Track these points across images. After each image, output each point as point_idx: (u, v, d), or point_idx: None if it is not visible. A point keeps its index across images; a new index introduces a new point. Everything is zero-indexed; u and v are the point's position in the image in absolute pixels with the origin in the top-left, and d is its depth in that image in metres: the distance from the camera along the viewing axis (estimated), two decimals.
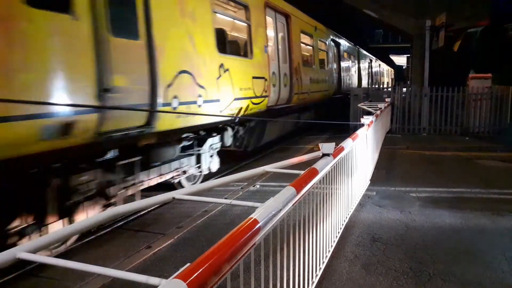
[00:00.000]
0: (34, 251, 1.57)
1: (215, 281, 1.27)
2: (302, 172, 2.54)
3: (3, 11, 2.93)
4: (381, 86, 24.78)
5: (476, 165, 7.51)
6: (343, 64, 16.83)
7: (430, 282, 3.11)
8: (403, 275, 3.23)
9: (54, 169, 3.71)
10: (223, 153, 7.13)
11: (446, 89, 11.57)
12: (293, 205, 2.17)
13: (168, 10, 4.87)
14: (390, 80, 39.37)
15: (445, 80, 12.05)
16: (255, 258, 1.78)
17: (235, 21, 7.61)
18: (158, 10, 4.59)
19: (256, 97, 7.48)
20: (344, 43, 17.10)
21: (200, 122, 5.67)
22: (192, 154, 6.06)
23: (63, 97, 3.38)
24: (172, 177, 5.67)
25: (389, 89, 13.68)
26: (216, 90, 5.93)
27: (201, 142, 6.24)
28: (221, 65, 6.09)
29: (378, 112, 7.68)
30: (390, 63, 45.05)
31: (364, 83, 22.76)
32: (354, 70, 19.83)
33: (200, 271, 1.20)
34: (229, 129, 7.07)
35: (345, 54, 17.47)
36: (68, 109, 3.40)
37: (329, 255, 3.40)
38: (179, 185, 6.15)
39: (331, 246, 3.53)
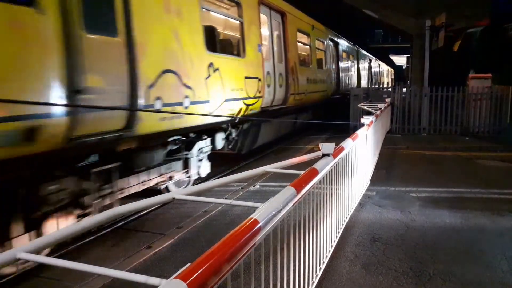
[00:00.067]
0: (34, 251, 1.57)
1: (215, 281, 1.27)
2: (302, 172, 2.54)
3: None
4: (381, 86, 24.78)
5: (476, 165, 7.51)
6: (342, 64, 16.65)
7: (430, 282, 3.11)
8: (403, 275, 3.23)
9: (20, 178, 3.43)
10: (219, 155, 7.08)
11: (446, 89, 11.57)
12: (293, 205, 2.17)
13: (151, 6, 4.59)
14: (390, 80, 39.36)
15: (445, 80, 12.06)
16: (255, 258, 1.78)
17: (226, 18, 7.32)
18: (140, 5, 4.33)
19: (249, 98, 7.17)
20: (342, 42, 16.93)
21: (188, 125, 5.34)
22: (179, 159, 5.77)
23: (25, 99, 3.08)
24: (157, 183, 5.37)
25: (389, 89, 13.66)
26: (205, 91, 5.62)
27: (189, 145, 5.96)
28: (211, 64, 5.78)
29: (378, 112, 7.68)
30: (390, 63, 45.07)
31: (364, 83, 22.58)
32: (353, 70, 19.67)
33: (200, 271, 1.20)
34: (221, 131, 6.81)
35: (344, 54, 17.27)
36: (31, 112, 3.11)
37: (329, 255, 3.40)
38: (166, 190, 5.82)
39: (331, 246, 3.53)
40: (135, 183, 4.91)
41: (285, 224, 2.19)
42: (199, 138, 6.10)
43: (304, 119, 11.39)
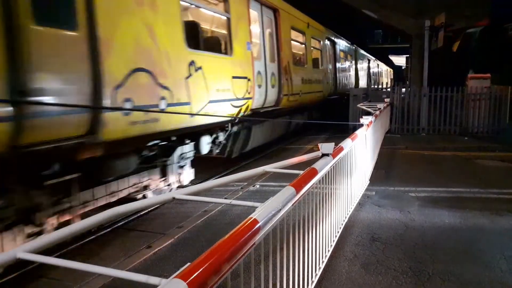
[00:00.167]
0: (34, 251, 1.57)
1: (215, 280, 1.28)
2: (301, 172, 2.55)
3: None
4: (380, 86, 24.75)
5: (475, 165, 7.53)
6: (339, 63, 16.32)
7: (429, 282, 3.12)
8: (403, 275, 3.23)
9: None
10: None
11: (445, 89, 11.59)
12: (292, 205, 2.18)
13: None
14: (389, 80, 39.39)
15: (444, 80, 12.08)
16: (255, 258, 1.79)
17: (211, 13, 6.82)
18: None
19: (237, 99, 6.68)
20: (340, 41, 16.62)
21: (166, 128, 4.87)
22: (155, 166, 5.30)
23: None
24: (129, 194, 4.89)
25: (388, 89, 13.66)
26: (185, 92, 5.13)
27: (169, 151, 5.47)
28: (192, 63, 5.30)
29: (377, 112, 7.69)
30: (389, 63, 45.10)
31: (362, 83, 22.37)
32: (351, 70, 19.44)
33: (200, 270, 1.20)
34: (206, 134, 6.33)
35: (342, 54, 16.98)
36: None
37: (328, 254, 3.41)
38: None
39: (331, 245, 3.54)
40: (102, 195, 4.42)
41: (285, 223, 2.20)
42: (181, 142, 5.64)
43: (298, 122, 11.01)
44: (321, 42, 13.31)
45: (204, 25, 7.11)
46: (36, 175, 3.57)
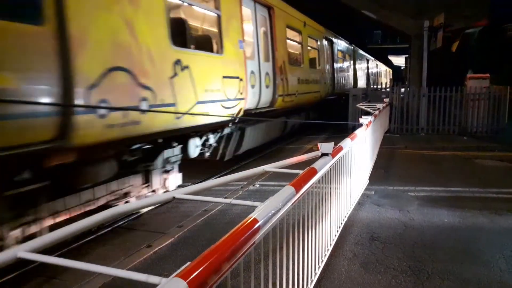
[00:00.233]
0: (34, 250, 1.57)
1: (215, 279, 1.28)
2: (301, 171, 2.55)
3: None
4: (379, 86, 24.75)
5: (474, 165, 7.54)
6: (338, 63, 16.10)
7: (428, 281, 3.13)
8: (402, 274, 3.24)
9: None
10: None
11: (444, 89, 11.60)
12: (292, 204, 2.19)
13: None
14: (388, 80, 39.42)
15: (443, 80, 12.11)
16: (255, 257, 1.80)
17: (200, 9, 6.41)
18: None
19: (229, 100, 6.37)
20: (338, 41, 16.39)
21: (148, 131, 4.52)
22: (138, 172, 4.99)
23: None
24: (108, 202, 4.55)
25: (388, 89, 13.67)
26: (170, 92, 4.83)
27: (153, 155, 5.16)
28: (178, 62, 5.00)
29: (377, 112, 7.70)
30: (388, 63, 45.13)
31: (361, 83, 22.21)
32: (349, 70, 19.28)
33: (200, 269, 1.21)
34: (196, 137, 6.02)
35: (340, 53, 16.75)
36: None
37: (328, 253, 3.42)
38: None
39: (330, 245, 3.55)
40: (75, 204, 4.11)
41: (284, 223, 2.21)
42: (167, 145, 5.34)
43: (295, 123, 10.67)
44: (319, 42, 13.07)
45: (193, 22, 6.78)
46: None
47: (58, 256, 3.20)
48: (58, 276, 3.50)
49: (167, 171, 5.45)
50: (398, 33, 21.28)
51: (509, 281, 3.14)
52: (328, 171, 3.18)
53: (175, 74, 4.96)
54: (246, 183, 6.32)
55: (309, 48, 11.87)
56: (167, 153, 5.35)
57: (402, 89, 12.77)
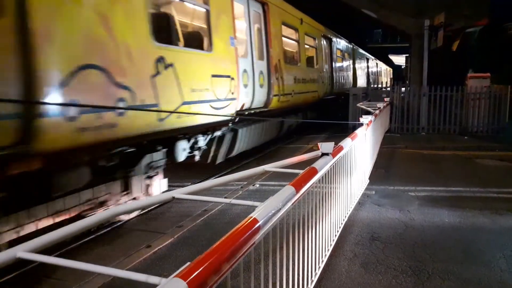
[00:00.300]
0: (34, 250, 1.57)
1: (215, 280, 1.28)
2: (301, 171, 2.55)
3: None
4: (380, 85, 24.72)
5: (475, 164, 7.53)
6: (336, 63, 15.79)
7: (429, 281, 3.13)
8: (402, 274, 3.24)
9: None
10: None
11: (444, 88, 11.60)
12: (292, 204, 2.18)
13: None
14: (388, 79, 39.39)
15: (444, 80, 12.10)
16: (255, 257, 1.79)
17: (186, 3, 6.00)
18: None
19: (218, 100, 5.99)
20: (337, 40, 16.12)
21: (127, 134, 4.17)
22: (115, 178, 4.64)
23: None
24: (81, 212, 4.17)
25: (388, 88, 13.65)
26: (151, 92, 4.48)
27: (134, 160, 4.84)
28: (160, 59, 4.65)
29: (377, 111, 7.70)
30: (389, 62, 45.10)
31: (360, 83, 21.94)
32: (349, 69, 19.04)
33: (200, 270, 1.20)
34: (183, 140, 5.68)
35: (339, 52, 16.44)
36: None
37: (328, 253, 3.41)
38: None
39: (331, 245, 3.54)
40: (42, 216, 3.74)
41: (285, 223, 2.20)
42: (151, 149, 5.05)
43: (291, 124, 10.34)
44: (316, 40, 12.63)
45: (179, 18, 6.36)
46: None
47: (58, 256, 3.20)
48: (57, 276, 3.49)
49: (150, 177, 5.10)
50: (399, 32, 21.27)
51: (510, 281, 3.13)
52: (328, 171, 3.18)
53: (158, 73, 4.62)
54: (246, 183, 6.32)
55: (306, 46, 11.56)
56: (149, 157, 5.03)
57: (403, 89, 12.76)
